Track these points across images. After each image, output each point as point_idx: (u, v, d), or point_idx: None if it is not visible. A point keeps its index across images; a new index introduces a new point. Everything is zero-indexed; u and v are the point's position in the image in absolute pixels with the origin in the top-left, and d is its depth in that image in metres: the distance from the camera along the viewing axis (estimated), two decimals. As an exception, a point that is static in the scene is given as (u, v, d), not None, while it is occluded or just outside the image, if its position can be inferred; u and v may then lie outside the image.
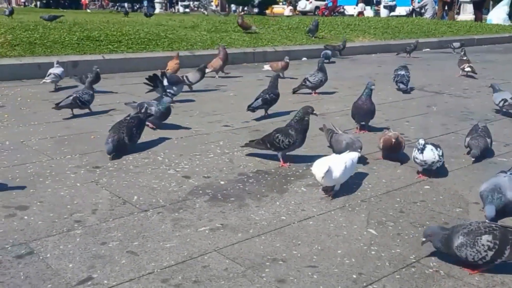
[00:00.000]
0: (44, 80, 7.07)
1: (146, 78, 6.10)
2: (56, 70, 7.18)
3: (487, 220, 2.94)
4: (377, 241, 2.98)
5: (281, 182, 3.90)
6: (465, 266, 2.66)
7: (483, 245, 2.56)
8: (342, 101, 6.88)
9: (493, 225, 2.66)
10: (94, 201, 3.44)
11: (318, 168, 3.50)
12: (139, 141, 4.72)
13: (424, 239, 2.73)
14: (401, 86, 7.72)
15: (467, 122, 5.96)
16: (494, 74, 9.94)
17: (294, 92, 7.40)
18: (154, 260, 2.69)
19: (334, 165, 3.52)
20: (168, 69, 7.63)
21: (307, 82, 7.25)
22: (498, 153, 4.71)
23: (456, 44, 13.24)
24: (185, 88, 6.99)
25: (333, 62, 11.12)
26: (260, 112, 5.95)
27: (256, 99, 5.87)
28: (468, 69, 9.37)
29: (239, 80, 8.69)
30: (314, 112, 4.25)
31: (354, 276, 2.59)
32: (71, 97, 5.63)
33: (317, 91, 7.38)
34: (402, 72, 7.83)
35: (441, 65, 11.30)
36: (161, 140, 4.93)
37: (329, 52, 11.09)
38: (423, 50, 14.55)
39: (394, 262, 2.74)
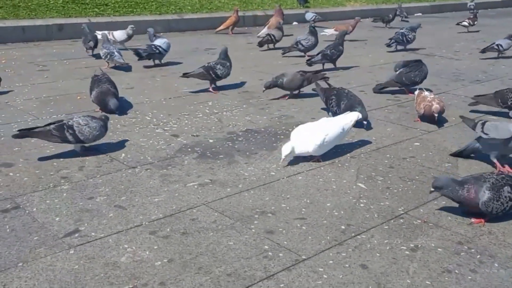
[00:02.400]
0: (117, 60, 6.14)
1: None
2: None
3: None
4: (366, 194, 2.97)
5: (271, 140, 3.87)
6: (475, 216, 2.67)
7: (505, 197, 2.59)
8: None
9: (504, 175, 2.70)
10: (80, 159, 3.39)
11: (285, 147, 3.30)
12: (126, 101, 4.66)
13: (432, 189, 2.69)
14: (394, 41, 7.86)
15: (458, 83, 5.94)
16: (486, 37, 9.87)
17: (284, 54, 7.31)
18: (142, 214, 2.67)
19: (310, 138, 3.32)
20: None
21: (299, 45, 7.16)
22: (488, 111, 4.70)
23: (471, 5, 14.62)
24: (171, 51, 6.81)
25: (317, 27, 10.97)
26: (247, 75, 5.88)
27: (318, 53, 6.33)
28: (465, 23, 9.88)
29: (227, 43, 8.55)
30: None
31: (343, 227, 2.59)
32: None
33: (308, 53, 7.29)
34: (402, 31, 7.88)
35: (433, 29, 11.19)
36: (149, 101, 4.86)
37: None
38: (415, 14, 14.40)
39: (383, 214, 2.74)
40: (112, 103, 4.27)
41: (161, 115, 4.40)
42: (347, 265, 2.26)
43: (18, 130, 3.45)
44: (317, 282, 2.13)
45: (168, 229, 2.53)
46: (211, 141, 3.82)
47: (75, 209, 2.69)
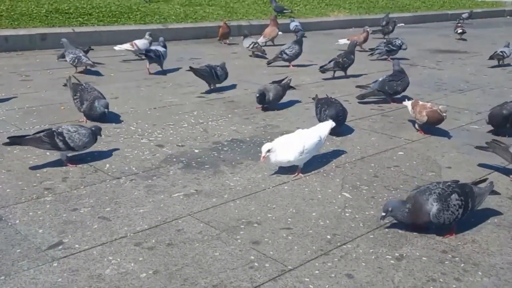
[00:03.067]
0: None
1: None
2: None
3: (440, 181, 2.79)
4: (351, 203, 2.99)
5: (256, 150, 3.86)
6: (437, 230, 2.66)
7: (454, 205, 2.57)
8: (318, 73, 6.84)
9: (449, 183, 2.66)
10: (64, 170, 3.35)
11: (266, 145, 3.26)
12: (110, 111, 4.63)
13: (384, 214, 2.61)
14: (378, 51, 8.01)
15: (441, 93, 6.02)
16: (467, 47, 10.04)
17: (269, 64, 7.34)
18: (127, 225, 2.65)
19: (289, 148, 3.28)
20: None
21: (284, 54, 7.20)
22: (470, 121, 4.78)
23: (465, 15, 15.11)
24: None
25: (305, 36, 11.05)
26: (232, 84, 5.89)
27: (330, 61, 6.54)
28: (460, 30, 10.14)
29: (212, 53, 8.57)
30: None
31: (329, 237, 2.59)
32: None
33: (292, 63, 7.34)
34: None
35: (415, 39, 11.33)
36: (134, 110, 4.84)
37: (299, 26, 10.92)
38: (398, 25, 14.57)
39: (368, 223, 2.76)
40: (102, 102, 4.31)
41: (146, 125, 4.38)
42: (333, 275, 2.26)
43: (8, 138, 3.42)
44: (303, 292, 2.13)
45: (153, 241, 2.51)
46: (196, 151, 3.81)
47: (59, 221, 2.66)
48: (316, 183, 3.26)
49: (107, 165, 3.45)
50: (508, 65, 7.86)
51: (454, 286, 2.20)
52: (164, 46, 6.73)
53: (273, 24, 9.60)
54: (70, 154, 3.44)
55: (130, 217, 2.74)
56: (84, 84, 4.53)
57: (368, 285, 2.19)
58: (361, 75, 6.91)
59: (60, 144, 3.32)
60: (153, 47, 6.73)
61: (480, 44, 10.48)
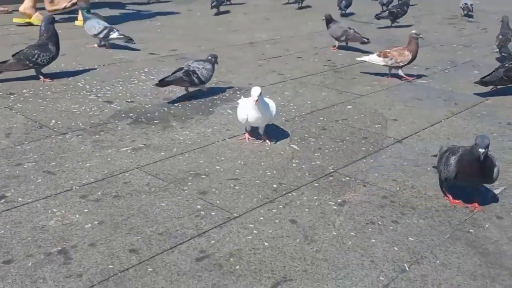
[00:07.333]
0: None
1: None
2: None
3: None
4: (298, 155, 3.05)
5: (207, 106, 3.86)
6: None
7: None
8: (272, 30, 6.81)
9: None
10: (7, 126, 3.26)
11: (256, 88, 3.02)
12: (58, 69, 4.50)
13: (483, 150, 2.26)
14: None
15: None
16: (422, 6, 10.16)
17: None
18: (72, 179, 2.62)
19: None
20: None
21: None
22: (418, 76, 4.89)
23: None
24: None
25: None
26: (186, 41, 5.79)
27: (385, 10, 7.70)
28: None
29: (170, 10, 8.37)
30: None
31: (275, 186, 2.65)
32: None
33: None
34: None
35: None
36: (81, 68, 4.71)
37: None
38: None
39: (314, 172, 2.83)
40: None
41: (95, 82, 4.28)
42: (277, 221, 2.33)
43: (159, 81, 3.86)
44: (247, 237, 2.19)
45: (99, 193, 2.50)
46: (146, 106, 3.77)
47: (1, 176, 2.61)
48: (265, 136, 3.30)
49: (53, 121, 3.38)
50: (471, 17, 8.23)
51: (391, 228, 2.31)
52: None
53: None
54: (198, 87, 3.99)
55: (76, 171, 2.71)
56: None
57: (310, 229, 2.27)
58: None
59: (196, 80, 3.87)
60: None
61: (435, 3, 10.61)
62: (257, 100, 2.97)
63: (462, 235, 2.27)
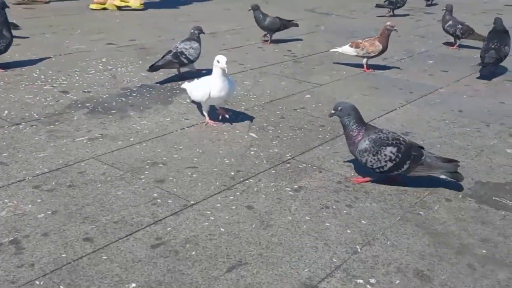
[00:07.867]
0: None
1: None
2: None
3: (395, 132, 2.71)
4: (257, 143, 3.07)
5: (166, 95, 3.84)
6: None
7: (385, 155, 2.54)
8: (234, 21, 6.81)
9: (401, 139, 2.61)
10: (-43, 117, 3.17)
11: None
12: (11, 59, 4.38)
13: (333, 112, 2.60)
14: None
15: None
16: None
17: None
18: (26, 169, 2.57)
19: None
20: None
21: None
22: (376, 66, 4.99)
23: None
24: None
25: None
26: (145, 31, 5.72)
27: (385, 1, 7.73)
28: None
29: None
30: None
31: (232, 173, 2.67)
32: None
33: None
34: None
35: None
36: (37, 57, 4.59)
37: None
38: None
39: (271, 160, 2.86)
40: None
41: (50, 72, 4.19)
42: (233, 207, 2.35)
43: (150, 66, 4.00)
44: (204, 224, 2.20)
45: (53, 183, 2.46)
46: (104, 96, 3.72)
47: (-50, 167, 2.54)
48: (224, 125, 3.31)
49: (6, 112, 3.29)
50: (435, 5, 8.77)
51: (345, 211, 2.36)
52: None
53: None
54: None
55: (29, 162, 2.65)
56: None
57: (267, 214, 2.30)
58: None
59: (185, 60, 4.01)
60: None
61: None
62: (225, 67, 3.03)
63: (412, 217, 2.35)
